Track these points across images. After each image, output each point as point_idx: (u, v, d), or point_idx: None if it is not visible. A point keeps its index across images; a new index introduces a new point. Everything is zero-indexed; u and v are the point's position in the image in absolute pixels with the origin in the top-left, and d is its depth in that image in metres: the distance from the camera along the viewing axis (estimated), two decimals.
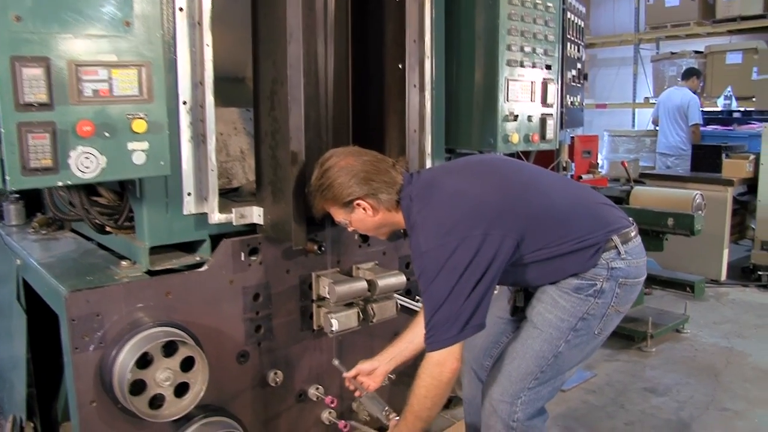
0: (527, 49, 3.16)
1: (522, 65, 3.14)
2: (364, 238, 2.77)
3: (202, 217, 2.35)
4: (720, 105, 8.19)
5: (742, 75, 7.97)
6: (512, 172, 2.23)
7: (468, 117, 3.18)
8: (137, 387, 2.11)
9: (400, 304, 2.80)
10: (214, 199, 2.33)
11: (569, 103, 4.07)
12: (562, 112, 3.78)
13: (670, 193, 4.69)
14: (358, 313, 2.63)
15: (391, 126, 2.72)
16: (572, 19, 4.06)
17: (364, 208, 2.16)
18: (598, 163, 5.41)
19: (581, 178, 5.03)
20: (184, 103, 2.23)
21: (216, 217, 2.35)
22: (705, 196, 4.50)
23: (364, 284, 2.62)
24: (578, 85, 4.24)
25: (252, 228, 2.49)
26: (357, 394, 2.50)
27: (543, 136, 3.30)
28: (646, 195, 4.69)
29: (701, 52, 8.64)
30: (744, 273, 6.05)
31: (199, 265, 2.38)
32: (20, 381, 2.79)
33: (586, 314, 2.10)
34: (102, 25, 1.86)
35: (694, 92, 7.53)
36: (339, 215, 2.23)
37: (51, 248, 2.78)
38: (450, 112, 3.17)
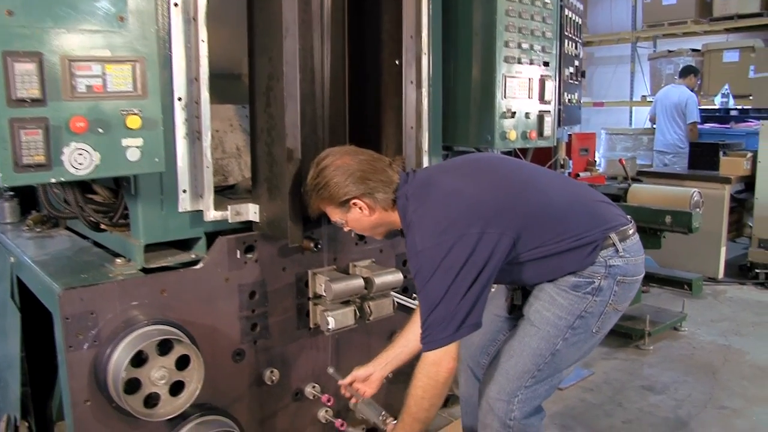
0: (525, 45, 3.14)
1: (520, 62, 3.13)
2: (361, 236, 2.75)
3: (197, 215, 2.33)
4: (717, 103, 8.21)
5: (739, 73, 7.97)
6: (511, 170, 2.22)
7: (465, 114, 3.16)
8: (132, 386, 2.09)
9: (397, 302, 2.79)
10: (209, 197, 2.32)
11: (567, 100, 4.06)
12: (559, 110, 3.77)
13: (667, 190, 4.68)
14: (355, 311, 2.61)
15: (387, 122, 2.70)
16: (570, 16, 4.05)
17: (360, 208, 2.15)
18: (595, 161, 5.40)
19: (579, 175, 5.03)
20: (179, 99, 2.21)
21: (211, 214, 2.33)
22: (702, 193, 4.50)
23: (360, 282, 2.61)
24: (576, 82, 4.23)
25: (248, 225, 2.48)
26: (353, 401, 2.49)
27: (540, 134, 3.29)
28: (643, 193, 4.68)
29: (698, 51, 8.65)
30: (741, 271, 6.06)
31: (195, 262, 2.36)
32: (14, 380, 2.77)
33: (584, 312, 2.09)
34: (95, 20, 1.84)
35: (692, 90, 7.53)
36: (335, 215, 2.21)
37: (45, 246, 2.76)
38: (447, 109, 3.16)
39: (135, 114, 1.93)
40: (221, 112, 2.86)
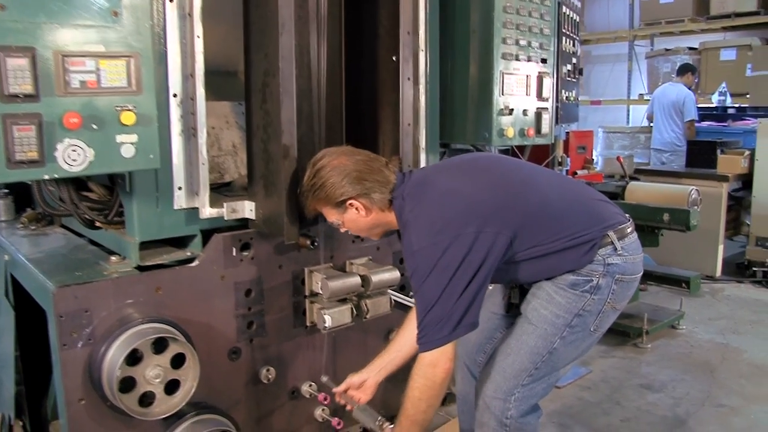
0: (522, 42, 3.13)
1: (517, 59, 3.11)
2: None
3: (192, 212, 2.32)
4: (714, 101, 8.21)
5: (736, 71, 7.98)
6: (510, 169, 2.21)
7: (463, 111, 3.15)
8: (127, 384, 2.08)
9: (394, 300, 2.78)
10: (205, 194, 2.30)
11: (564, 97, 4.04)
12: (557, 107, 3.76)
13: (665, 188, 4.68)
14: (352, 308, 2.60)
15: (384, 119, 2.69)
16: (567, 13, 4.03)
17: (356, 208, 2.14)
18: (593, 159, 5.40)
19: (576, 173, 5.02)
20: (175, 95, 2.20)
21: (207, 211, 2.32)
22: (700, 191, 4.49)
23: (357, 280, 2.59)
24: (573, 80, 4.21)
25: (244, 223, 2.47)
26: (348, 408, 2.47)
27: (538, 131, 3.27)
28: (641, 190, 4.68)
29: (695, 49, 8.66)
30: (739, 269, 6.05)
31: (190, 260, 2.35)
32: (9, 379, 2.76)
33: (582, 310, 2.08)
34: (89, 15, 1.82)
35: (689, 88, 7.53)
36: (331, 216, 2.20)
37: (40, 244, 2.75)
38: (444, 106, 3.14)
39: (129, 110, 1.91)
40: (217, 109, 2.84)
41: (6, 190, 3.22)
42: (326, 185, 2.11)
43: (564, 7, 3.95)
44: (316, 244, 2.47)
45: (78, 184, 2.31)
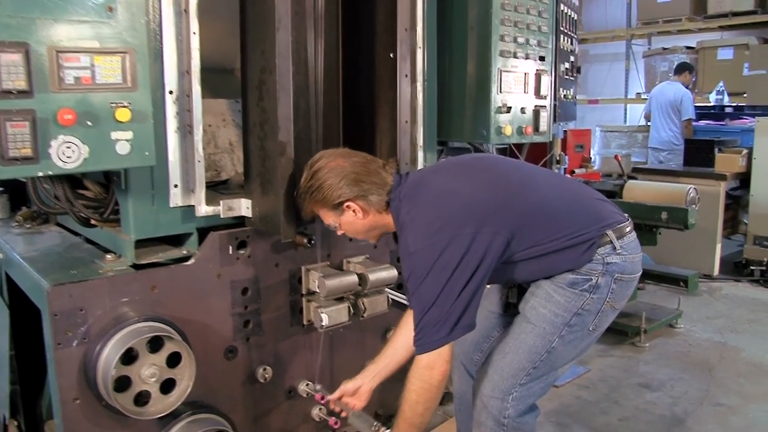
0: (520, 39, 3.12)
1: (515, 56, 3.11)
2: None
3: (189, 210, 2.30)
4: (712, 100, 8.21)
5: (733, 70, 7.98)
6: (508, 170, 2.20)
7: (460, 108, 3.14)
8: (122, 383, 2.07)
9: (392, 299, 2.77)
10: (201, 191, 2.29)
11: (562, 95, 4.03)
12: (555, 105, 3.74)
13: (663, 187, 4.67)
14: (349, 307, 2.59)
15: (382, 117, 2.68)
16: (565, 11, 4.02)
17: (353, 210, 2.13)
18: (590, 158, 5.38)
19: (574, 172, 5.00)
20: (171, 92, 2.18)
21: (203, 209, 2.30)
22: (698, 190, 4.48)
23: (354, 278, 2.58)
24: (571, 78, 4.20)
25: (240, 221, 2.45)
26: (344, 414, 2.46)
27: (536, 129, 3.27)
28: (639, 189, 4.67)
29: (693, 48, 8.66)
30: (736, 268, 6.05)
31: (186, 258, 2.33)
32: (3, 378, 2.74)
33: (581, 310, 2.07)
34: (84, 10, 1.80)
35: (687, 87, 7.53)
36: (328, 218, 2.19)
37: (35, 242, 2.73)
38: (442, 104, 3.13)
39: (124, 107, 1.89)
40: (214, 107, 2.83)
41: (1, 188, 3.20)
42: (323, 187, 2.10)
43: (562, 5, 3.94)
44: (313, 242, 2.46)
45: (73, 181, 2.29)
